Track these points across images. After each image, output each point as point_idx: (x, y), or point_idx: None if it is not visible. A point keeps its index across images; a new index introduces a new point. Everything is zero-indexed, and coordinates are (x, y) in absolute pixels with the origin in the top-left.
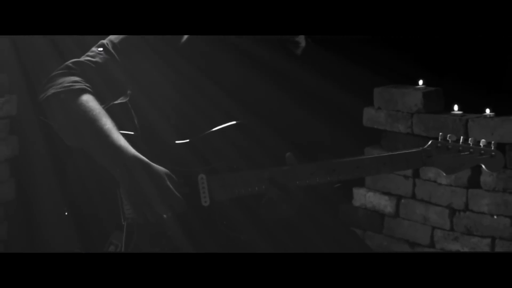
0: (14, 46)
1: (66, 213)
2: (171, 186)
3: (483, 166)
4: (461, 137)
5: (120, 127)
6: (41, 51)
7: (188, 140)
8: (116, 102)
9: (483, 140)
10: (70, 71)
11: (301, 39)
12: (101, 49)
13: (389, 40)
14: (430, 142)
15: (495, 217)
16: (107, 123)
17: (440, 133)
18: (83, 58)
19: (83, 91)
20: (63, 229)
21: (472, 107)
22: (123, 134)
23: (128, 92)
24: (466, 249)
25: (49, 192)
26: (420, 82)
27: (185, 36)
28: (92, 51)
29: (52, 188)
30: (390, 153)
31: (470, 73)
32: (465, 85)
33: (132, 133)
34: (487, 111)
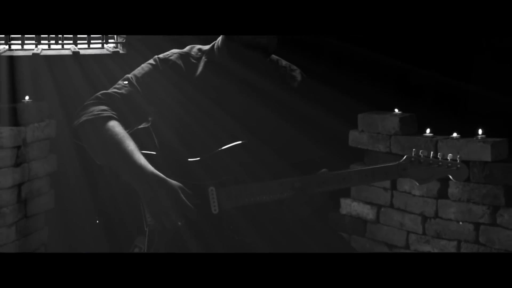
0: (53, 79)
1: (97, 221)
2: (184, 198)
3: (450, 176)
4: (431, 152)
5: (143, 147)
6: (76, 83)
7: (199, 158)
8: (139, 127)
9: (450, 154)
10: (99, 101)
11: (297, 74)
12: (126, 82)
13: (371, 74)
14: (405, 157)
15: (460, 223)
16: (130, 145)
17: (414, 149)
18: (110, 90)
19: (110, 118)
20: (94, 234)
21: (441, 130)
22: (145, 154)
23: (149, 118)
24: (436, 250)
25: (83, 202)
26: (396, 109)
27: (199, 70)
28: (119, 84)
29: (85, 199)
30: (371, 167)
31: (440, 101)
32: (435, 111)
33: (154, 153)
34: (454, 134)
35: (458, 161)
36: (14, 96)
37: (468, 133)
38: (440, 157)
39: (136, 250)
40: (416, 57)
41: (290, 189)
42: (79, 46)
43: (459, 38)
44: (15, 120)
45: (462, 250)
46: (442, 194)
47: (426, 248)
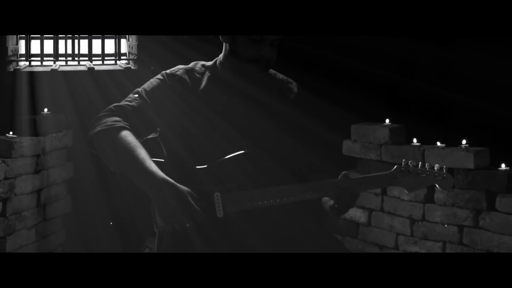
0: (70, 92)
1: (111, 223)
2: (192, 202)
3: (437, 185)
4: (419, 162)
5: (152, 155)
6: (91, 96)
7: (206, 166)
8: (149, 136)
9: (437, 165)
10: (112, 113)
11: (294, 86)
12: (137, 95)
13: (364, 88)
14: (395, 167)
15: (445, 225)
16: (142, 153)
17: (403, 160)
18: (122, 103)
19: (122, 128)
20: (108, 235)
21: (427, 140)
22: (155, 161)
23: (158, 129)
24: (423, 251)
25: (97, 206)
26: (387, 120)
27: (203, 84)
28: (130, 97)
29: (100, 203)
30: (364, 176)
31: (426, 113)
32: (422, 123)
33: (162, 160)
34: (439, 143)
35: (444, 171)
36: (34, 109)
37: (452, 142)
38: (427, 167)
39: (147, 250)
40: (405, 72)
41: (290, 194)
42: (94, 62)
43: (444, 51)
44: (35, 130)
45: (447, 251)
46: (429, 199)
47: (414, 249)
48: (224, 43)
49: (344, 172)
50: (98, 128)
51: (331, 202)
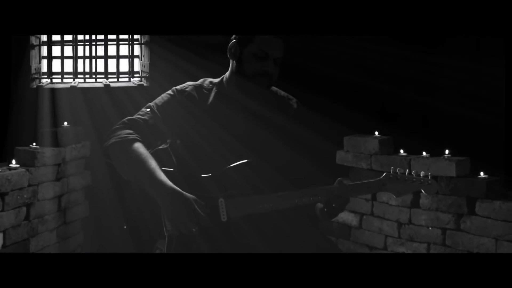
0: (87, 107)
1: (125, 226)
2: (197, 209)
3: (423, 190)
4: (407, 170)
5: (163, 165)
6: (107, 110)
7: (211, 174)
8: (159, 147)
9: (422, 172)
10: (125, 126)
11: (293, 102)
12: (149, 109)
13: (355, 102)
14: (384, 174)
15: (430, 228)
16: (152, 164)
17: (392, 167)
18: (135, 116)
19: (135, 140)
20: (122, 237)
21: (413, 150)
22: (165, 171)
23: (168, 140)
24: (409, 251)
25: (113, 211)
26: (376, 133)
27: (210, 100)
28: (142, 111)
29: (115, 208)
30: (356, 182)
31: (413, 125)
32: (408, 134)
33: (172, 169)
34: (424, 153)
35: (429, 178)
36: (55, 122)
37: (436, 152)
38: (414, 174)
39: (158, 251)
40: (393, 88)
41: (288, 200)
42: (109, 80)
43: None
44: (56, 142)
45: (431, 251)
46: (415, 204)
47: (401, 249)
48: (231, 61)
49: (339, 178)
50: (112, 140)
51: (321, 206)
